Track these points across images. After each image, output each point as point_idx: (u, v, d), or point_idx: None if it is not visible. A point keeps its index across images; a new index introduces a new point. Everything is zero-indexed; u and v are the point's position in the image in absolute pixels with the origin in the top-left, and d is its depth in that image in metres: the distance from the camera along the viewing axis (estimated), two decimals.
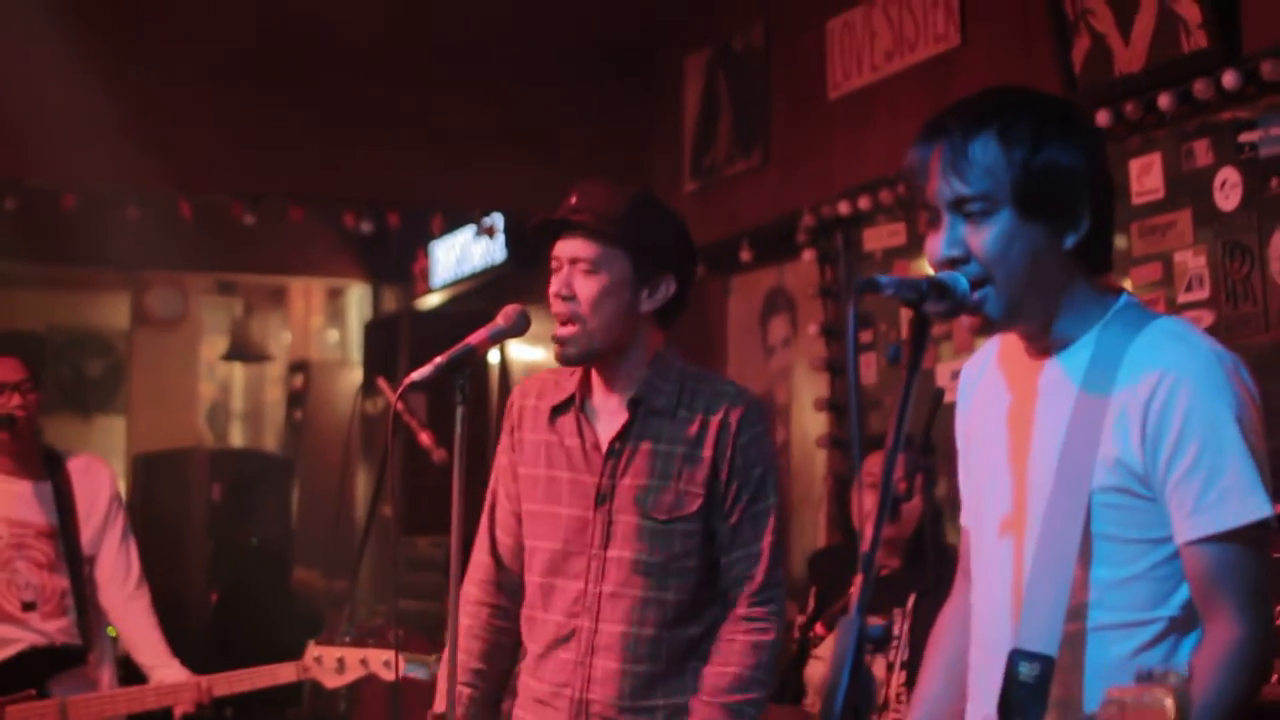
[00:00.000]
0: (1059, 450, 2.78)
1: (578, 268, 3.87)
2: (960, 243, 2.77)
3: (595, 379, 3.99)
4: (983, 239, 2.75)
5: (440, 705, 4.12)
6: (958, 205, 2.77)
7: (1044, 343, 2.87)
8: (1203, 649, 2.71)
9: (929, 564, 5.03)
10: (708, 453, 3.87)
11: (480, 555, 4.18)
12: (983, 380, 3.07)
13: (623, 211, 3.88)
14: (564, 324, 3.88)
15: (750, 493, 3.90)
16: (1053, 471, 2.78)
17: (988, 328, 2.84)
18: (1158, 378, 2.70)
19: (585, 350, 3.89)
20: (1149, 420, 2.70)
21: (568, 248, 3.89)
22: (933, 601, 5.06)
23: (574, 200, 3.91)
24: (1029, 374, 2.91)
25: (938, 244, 2.79)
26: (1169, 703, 2.15)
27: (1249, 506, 2.67)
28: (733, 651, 3.87)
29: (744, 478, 3.89)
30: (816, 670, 5.65)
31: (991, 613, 2.93)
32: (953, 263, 2.77)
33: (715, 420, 3.88)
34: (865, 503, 5.55)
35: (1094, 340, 2.81)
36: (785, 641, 5.83)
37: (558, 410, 4.02)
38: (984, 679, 2.92)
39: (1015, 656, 2.72)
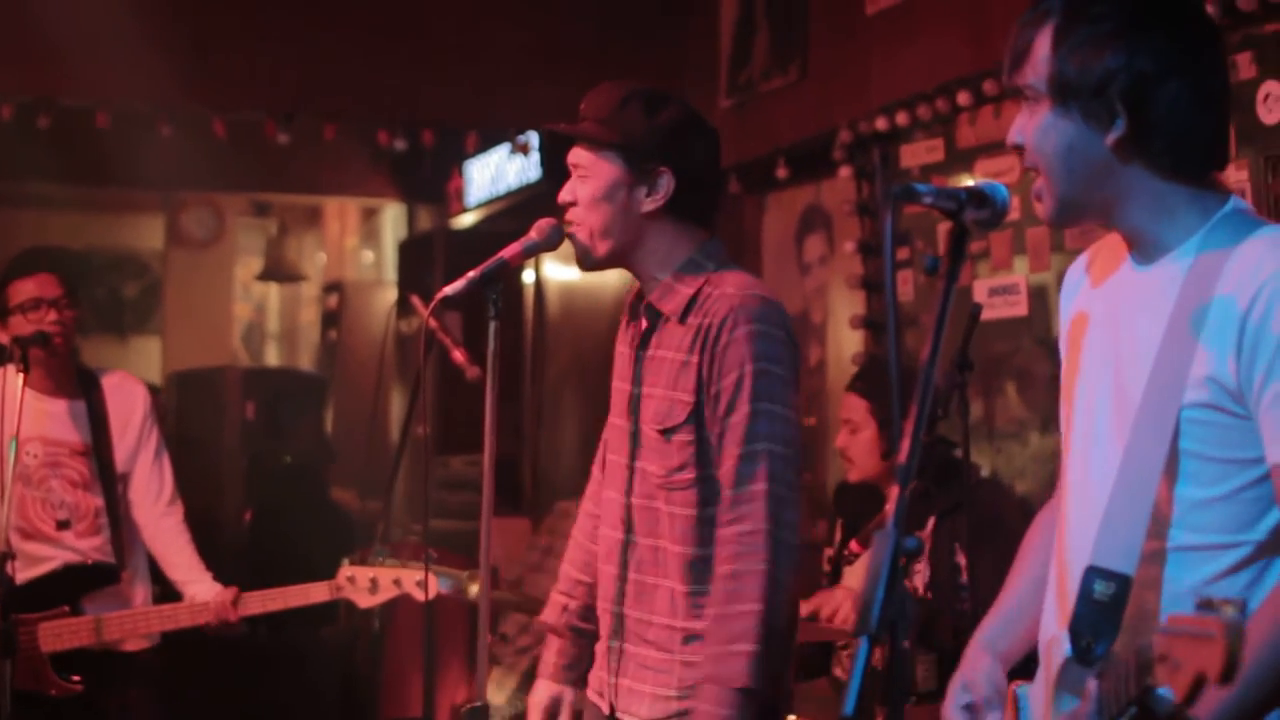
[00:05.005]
0: (1151, 364, 2.71)
1: (577, 173, 3.84)
2: (1021, 130, 2.82)
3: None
4: (1030, 128, 2.79)
5: (548, 616, 4.13)
6: (1020, 94, 2.82)
7: (1136, 247, 2.82)
8: None
9: (957, 485, 4.99)
10: (695, 358, 3.71)
11: (595, 467, 4.18)
12: (1082, 288, 3.02)
13: (610, 112, 3.80)
14: (573, 233, 3.86)
15: (727, 401, 3.65)
16: (1143, 385, 2.71)
17: (1048, 221, 2.87)
18: (1256, 290, 2.61)
19: (590, 257, 3.85)
20: (1245, 335, 2.61)
21: (570, 156, 3.86)
22: (953, 524, 5.05)
23: (581, 107, 3.88)
24: (1126, 283, 2.85)
25: (1010, 129, 2.85)
26: (1219, 638, 2.08)
27: None
28: (723, 592, 3.61)
29: (720, 384, 3.66)
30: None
31: (1070, 527, 2.89)
32: (1017, 148, 2.82)
33: (707, 323, 3.70)
34: (840, 442, 5.60)
35: (1194, 249, 2.73)
36: (814, 572, 5.83)
37: (629, 319, 3.97)
38: (1052, 595, 2.90)
39: (1091, 574, 2.68)
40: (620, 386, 3.93)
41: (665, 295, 3.81)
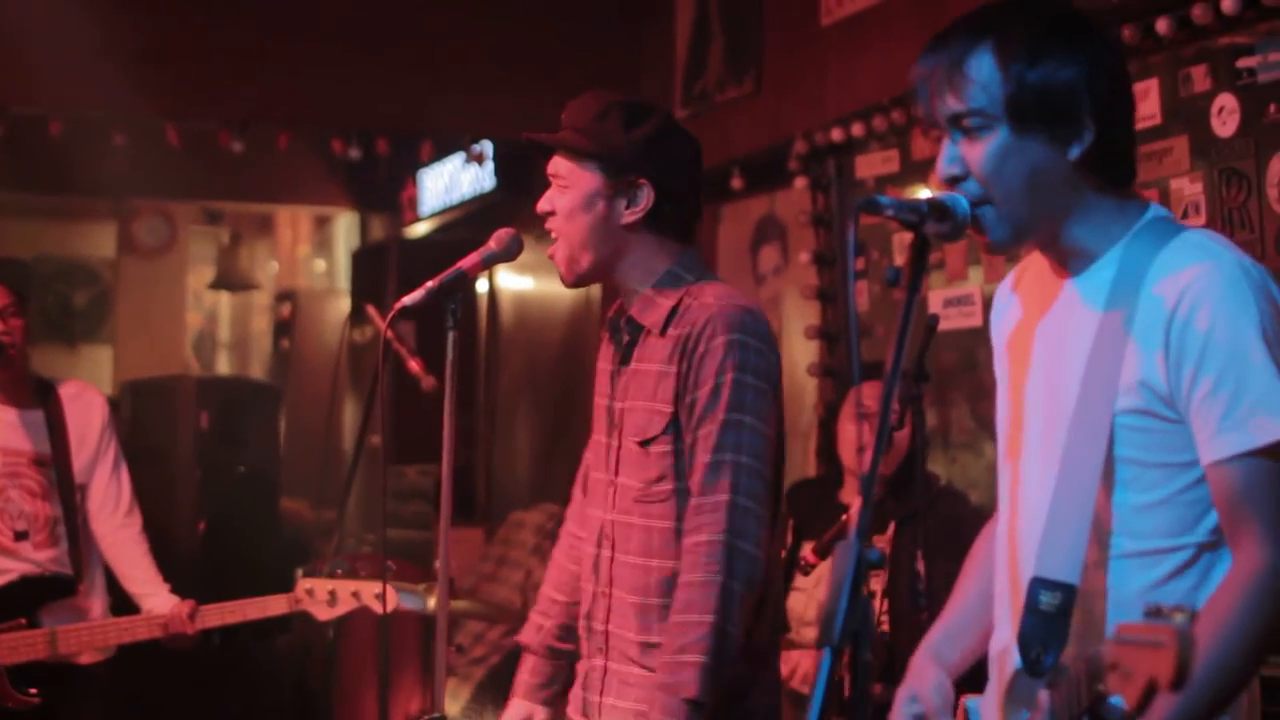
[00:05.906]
0: (1081, 373, 2.72)
1: (557, 183, 3.80)
2: (959, 160, 2.74)
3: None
4: (978, 155, 2.72)
5: (524, 635, 4.12)
6: (955, 121, 2.74)
7: (1066, 260, 2.82)
8: (1228, 577, 2.64)
9: (914, 493, 5.01)
10: (674, 368, 3.68)
11: (575, 488, 4.15)
12: (1012, 303, 3.03)
13: (589, 122, 3.76)
14: (552, 246, 3.83)
15: (701, 410, 3.63)
16: (1075, 395, 2.72)
17: (994, 248, 2.80)
18: (1180, 294, 2.63)
19: (572, 270, 3.82)
20: (1171, 338, 2.63)
21: (550, 165, 3.82)
22: (913, 530, 5.07)
23: (563, 116, 3.84)
24: (1053, 294, 2.86)
25: (939, 161, 2.77)
26: (1170, 645, 2.08)
27: (1277, 423, 2.59)
28: (679, 601, 3.59)
29: (695, 394, 3.63)
30: (798, 602, 5.62)
31: (1012, 540, 2.88)
32: (953, 180, 2.75)
33: (686, 333, 3.67)
34: (861, 432, 5.53)
35: (1118, 257, 2.75)
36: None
37: (609, 335, 3.94)
38: (1004, 608, 2.89)
39: (1035, 585, 2.67)
40: (601, 403, 3.91)
41: (646, 308, 3.78)
